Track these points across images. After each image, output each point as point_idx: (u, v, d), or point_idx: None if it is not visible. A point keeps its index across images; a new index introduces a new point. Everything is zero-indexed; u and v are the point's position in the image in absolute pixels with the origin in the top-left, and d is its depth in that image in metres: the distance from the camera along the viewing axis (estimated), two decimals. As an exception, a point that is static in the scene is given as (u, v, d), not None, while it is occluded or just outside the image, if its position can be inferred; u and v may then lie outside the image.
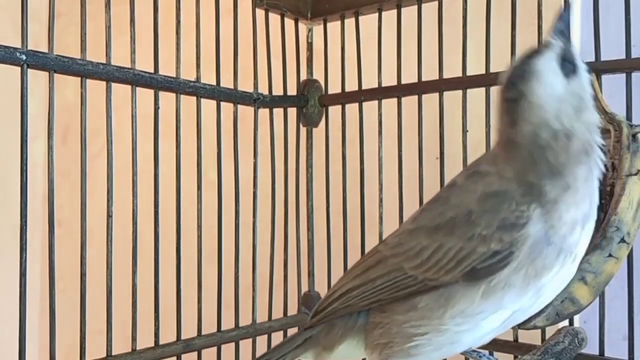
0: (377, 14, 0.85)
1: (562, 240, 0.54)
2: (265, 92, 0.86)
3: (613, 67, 0.68)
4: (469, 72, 0.77)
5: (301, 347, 0.63)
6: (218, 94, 0.80)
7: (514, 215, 0.53)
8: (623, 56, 0.68)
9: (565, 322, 0.68)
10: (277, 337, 0.86)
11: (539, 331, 0.69)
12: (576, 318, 0.71)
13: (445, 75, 0.79)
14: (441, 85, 0.79)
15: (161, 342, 0.73)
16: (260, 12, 0.86)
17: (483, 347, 0.70)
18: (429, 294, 0.55)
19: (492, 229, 0.53)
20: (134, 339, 0.71)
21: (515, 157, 0.56)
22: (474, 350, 0.62)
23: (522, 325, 0.64)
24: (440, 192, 0.61)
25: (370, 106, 0.85)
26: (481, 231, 0.53)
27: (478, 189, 0.55)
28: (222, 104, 0.80)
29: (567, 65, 0.56)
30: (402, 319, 0.56)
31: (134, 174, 0.71)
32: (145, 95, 0.73)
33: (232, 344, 0.81)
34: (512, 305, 0.55)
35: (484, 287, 0.54)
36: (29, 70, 0.63)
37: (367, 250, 0.72)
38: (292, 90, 0.90)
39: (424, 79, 0.81)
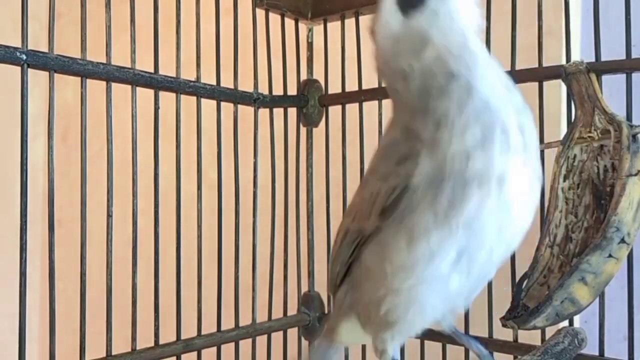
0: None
1: (461, 173, 0.50)
2: (266, 92, 0.86)
3: (613, 67, 0.68)
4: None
5: (321, 332, 0.65)
6: (218, 94, 0.80)
7: (407, 148, 0.52)
8: (623, 56, 0.67)
9: (565, 322, 0.68)
10: (277, 337, 0.86)
11: (539, 331, 0.69)
12: (576, 318, 0.71)
13: (445, 75, 0.78)
14: (441, 85, 0.79)
15: (161, 342, 0.73)
16: (260, 12, 0.86)
17: (482, 346, 0.70)
18: (369, 248, 0.56)
19: (391, 167, 0.54)
20: (134, 339, 0.71)
21: (394, 102, 0.57)
22: (473, 339, 0.63)
23: (522, 326, 0.65)
24: None
25: (370, 106, 0.85)
26: (383, 170, 0.54)
27: (380, 146, 0.58)
28: (222, 104, 0.81)
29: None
30: (365, 287, 0.57)
31: (134, 174, 0.71)
32: (145, 95, 0.73)
33: (232, 344, 0.81)
34: (447, 247, 0.51)
35: (403, 233, 0.52)
36: (29, 70, 0.63)
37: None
38: (292, 90, 0.90)
39: (424, 79, 0.81)
